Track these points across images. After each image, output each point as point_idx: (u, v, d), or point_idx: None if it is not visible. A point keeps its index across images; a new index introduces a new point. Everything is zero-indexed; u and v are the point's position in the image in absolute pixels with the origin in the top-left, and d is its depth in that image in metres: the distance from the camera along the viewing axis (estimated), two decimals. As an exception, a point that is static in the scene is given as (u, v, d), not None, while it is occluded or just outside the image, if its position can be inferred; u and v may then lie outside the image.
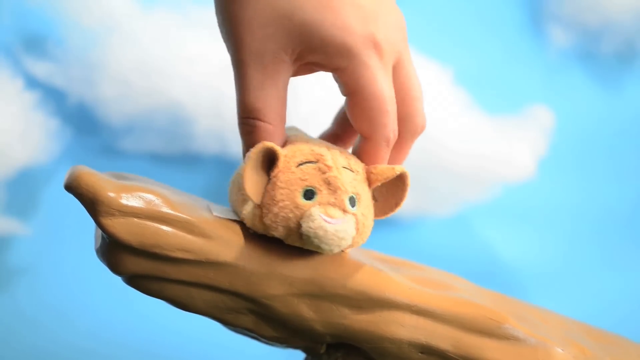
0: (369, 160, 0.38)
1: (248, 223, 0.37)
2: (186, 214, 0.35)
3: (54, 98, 0.62)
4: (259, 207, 0.36)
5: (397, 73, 0.39)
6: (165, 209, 0.35)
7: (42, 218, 0.62)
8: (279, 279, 0.36)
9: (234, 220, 0.37)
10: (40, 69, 0.61)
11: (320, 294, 0.36)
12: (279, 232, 0.36)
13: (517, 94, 0.69)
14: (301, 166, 0.36)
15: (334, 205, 0.35)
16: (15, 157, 0.59)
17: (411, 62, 0.40)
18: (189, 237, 0.35)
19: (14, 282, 0.61)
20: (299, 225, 0.35)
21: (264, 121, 0.37)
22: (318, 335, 0.37)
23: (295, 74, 0.39)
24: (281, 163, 0.36)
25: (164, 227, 0.35)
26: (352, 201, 0.36)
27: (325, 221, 0.35)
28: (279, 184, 0.36)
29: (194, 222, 0.35)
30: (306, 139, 0.39)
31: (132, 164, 0.63)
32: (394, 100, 0.38)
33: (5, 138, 0.59)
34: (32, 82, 0.61)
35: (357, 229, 0.36)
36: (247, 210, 0.37)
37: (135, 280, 0.36)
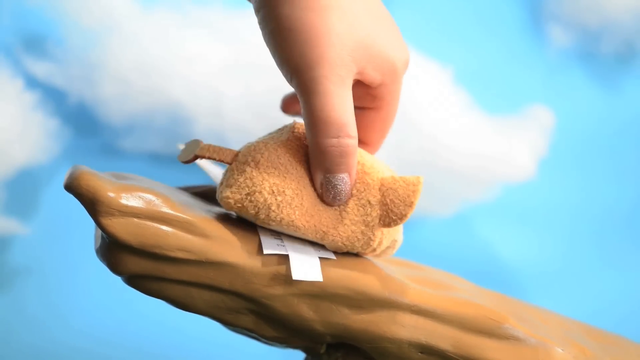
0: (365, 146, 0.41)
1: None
2: (186, 214, 0.35)
3: (54, 98, 0.62)
4: None
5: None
6: (165, 209, 0.35)
7: (42, 218, 0.62)
8: (278, 278, 0.36)
9: (234, 220, 0.37)
10: (40, 69, 0.61)
11: (320, 294, 0.36)
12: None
13: (517, 94, 0.69)
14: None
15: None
16: (15, 157, 0.59)
17: None
18: (189, 237, 0.35)
19: (14, 282, 0.61)
20: None
21: (353, 137, 0.36)
22: (318, 335, 0.37)
23: None
24: None
25: (164, 227, 0.35)
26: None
27: None
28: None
29: (194, 222, 0.35)
30: None
31: (132, 163, 0.63)
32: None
33: (5, 138, 0.59)
34: (32, 82, 0.61)
35: None
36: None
37: (135, 280, 0.36)
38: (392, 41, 0.37)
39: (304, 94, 0.35)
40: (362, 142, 0.40)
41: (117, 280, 0.37)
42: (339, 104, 0.35)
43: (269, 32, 0.36)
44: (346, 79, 0.35)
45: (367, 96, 0.39)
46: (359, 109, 0.39)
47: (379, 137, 0.40)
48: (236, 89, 0.63)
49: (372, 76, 0.37)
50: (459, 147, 0.65)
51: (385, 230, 0.37)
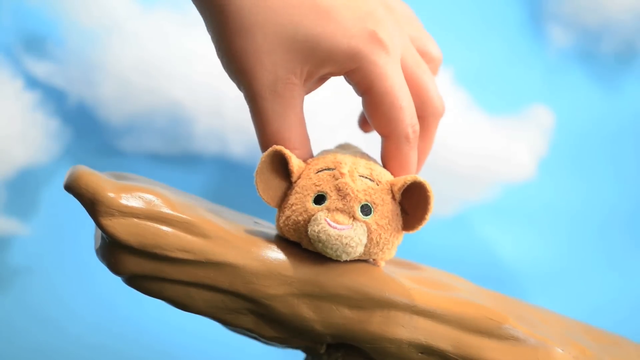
0: (394, 160, 0.39)
1: (277, 228, 0.38)
2: (186, 214, 0.35)
3: (54, 98, 0.62)
4: (281, 211, 0.37)
5: (405, 63, 0.39)
6: (165, 209, 0.35)
7: (42, 218, 0.62)
8: (279, 279, 0.36)
9: (233, 222, 0.37)
10: (40, 69, 0.61)
11: (321, 294, 0.36)
12: (291, 235, 0.37)
13: (517, 94, 0.69)
14: (319, 173, 0.37)
15: (342, 211, 0.36)
16: (15, 157, 0.59)
17: (414, 50, 0.40)
18: (189, 237, 0.35)
19: (14, 282, 0.61)
20: (307, 229, 0.36)
21: (291, 148, 0.37)
22: (318, 336, 0.37)
23: (309, 91, 0.39)
24: (297, 168, 0.37)
25: (164, 228, 0.35)
26: (366, 209, 0.36)
27: (330, 225, 0.35)
28: (296, 189, 0.37)
29: (194, 222, 0.35)
30: (343, 151, 0.39)
31: (132, 164, 0.63)
32: (409, 95, 0.38)
33: (5, 138, 0.59)
34: (32, 82, 0.61)
35: (371, 239, 0.36)
36: (277, 216, 0.38)
37: (135, 281, 0.36)
38: (340, 25, 0.36)
39: (251, 111, 0.38)
40: (380, 134, 0.39)
41: (117, 281, 0.37)
42: (276, 120, 0.37)
43: (223, 65, 0.38)
44: (283, 92, 0.36)
45: (351, 84, 0.38)
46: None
47: (386, 124, 0.38)
48: (236, 89, 0.63)
49: (328, 71, 0.37)
50: (458, 147, 0.64)
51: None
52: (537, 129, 0.67)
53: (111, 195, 0.34)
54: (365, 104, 0.38)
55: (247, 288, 0.36)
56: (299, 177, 0.37)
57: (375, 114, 0.38)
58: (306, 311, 0.37)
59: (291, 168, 0.37)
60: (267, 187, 0.37)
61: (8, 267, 0.61)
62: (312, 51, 0.36)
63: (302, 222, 0.36)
